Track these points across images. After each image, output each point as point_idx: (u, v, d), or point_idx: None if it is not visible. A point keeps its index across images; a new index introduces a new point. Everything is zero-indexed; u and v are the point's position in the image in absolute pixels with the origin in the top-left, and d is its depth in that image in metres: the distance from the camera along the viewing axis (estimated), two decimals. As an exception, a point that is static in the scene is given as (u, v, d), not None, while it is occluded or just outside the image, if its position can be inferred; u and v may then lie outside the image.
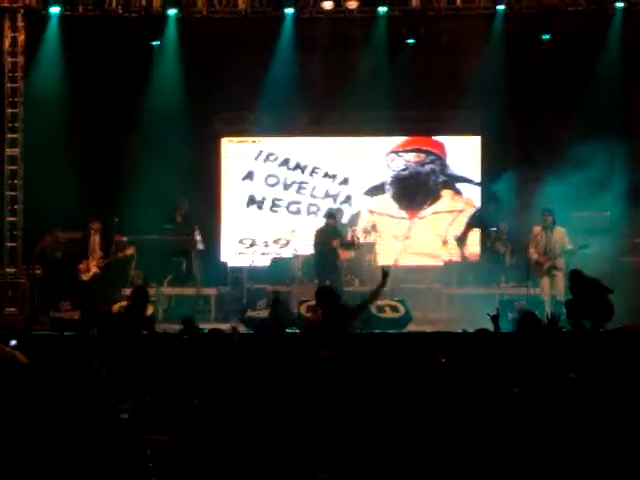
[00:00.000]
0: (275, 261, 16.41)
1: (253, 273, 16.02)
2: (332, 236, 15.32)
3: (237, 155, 17.54)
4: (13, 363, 4.56)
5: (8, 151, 16.12)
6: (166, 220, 15.99)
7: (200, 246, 16.07)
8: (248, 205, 17.48)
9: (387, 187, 17.46)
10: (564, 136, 15.93)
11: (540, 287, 14.58)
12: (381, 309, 14.02)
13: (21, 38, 16.09)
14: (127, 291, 14.93)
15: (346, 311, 10.02)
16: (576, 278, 12.12)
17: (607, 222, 15.31)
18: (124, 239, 15.29)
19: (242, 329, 12.98)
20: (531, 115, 16.67)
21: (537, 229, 14.76)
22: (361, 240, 16.11)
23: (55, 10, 16.27)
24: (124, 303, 13.51)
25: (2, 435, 3.92)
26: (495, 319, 8.58)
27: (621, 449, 4.55)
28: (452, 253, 17.00)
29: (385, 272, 10.31)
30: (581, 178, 14.66)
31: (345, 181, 17.44)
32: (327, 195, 17.44)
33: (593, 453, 4.50)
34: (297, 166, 17.49)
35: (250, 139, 17.47)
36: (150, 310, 12.83)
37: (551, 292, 14.46)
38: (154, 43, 16.83)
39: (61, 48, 16.45)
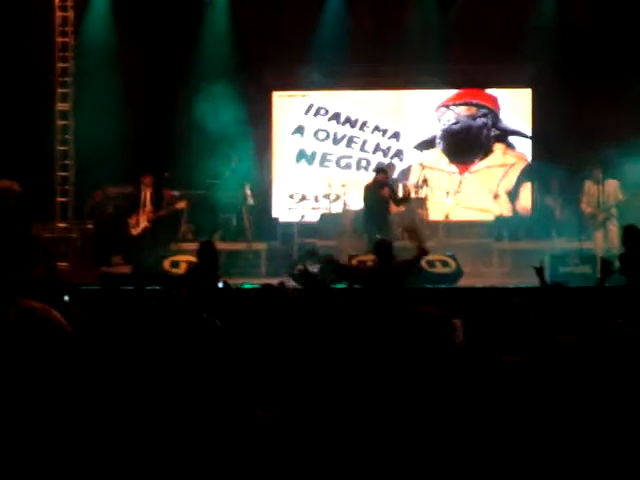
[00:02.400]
0: (325, 216, 16.36)
1: (303, 228, 16.00)
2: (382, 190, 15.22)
3: (287, 109, 17.48)
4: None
5: (59, 106, 16.11)
6: (215, 175, 16.02)
7: (250, 201, 16.04)
8: (298, 160, 17.44)
9: (438, 141, 17.30)
10: (616, 90, 15.73)
11: (593, 240, 14.47)
12: (432, 264, 13.91)
13: (71, -8, 16.10)
14: (178, 246, 15.06)
15: (400, 265, 10.26)
16: (630, 232, 11.99)
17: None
18: (175, 193, 15.31)
19: (291, 284, 13.02)
20: (583, 69, 16.41)
21: (588, 183, 14.64)
22: (412, 195, 16.01)
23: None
24: (182, 258, 13.59)
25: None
26: (540, 272, 8.55)
27: None
28: (503, 207, 16.89)
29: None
30: (633, 130, 14.51)
31: (395, 135, 17.31)
32: (377, 149, 17.34)
33: None
34: (347, 120, 17.39)
35: (300, 93, 17.38)
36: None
37: (604, 245, 14.36)
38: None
39: (111, 1, 16.49)
